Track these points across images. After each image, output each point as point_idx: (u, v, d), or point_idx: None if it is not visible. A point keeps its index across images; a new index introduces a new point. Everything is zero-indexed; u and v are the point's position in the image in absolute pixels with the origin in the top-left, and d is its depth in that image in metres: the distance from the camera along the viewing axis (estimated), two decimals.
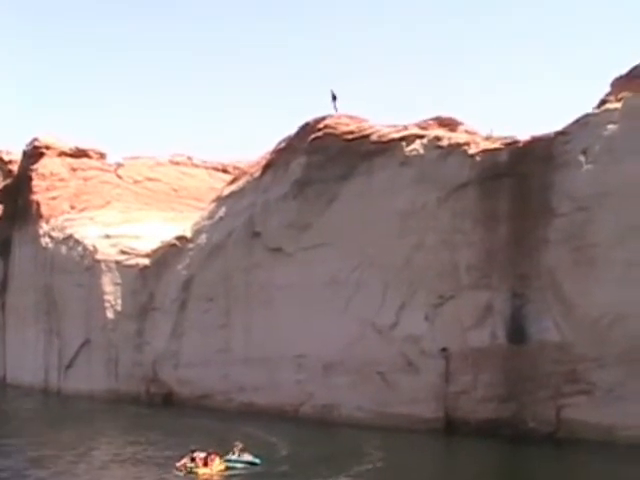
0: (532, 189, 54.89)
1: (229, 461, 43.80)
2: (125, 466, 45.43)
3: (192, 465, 41.08)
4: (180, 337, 74.97)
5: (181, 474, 40.86)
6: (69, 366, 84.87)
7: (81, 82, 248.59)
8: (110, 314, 79.81)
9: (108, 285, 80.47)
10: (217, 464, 42.25)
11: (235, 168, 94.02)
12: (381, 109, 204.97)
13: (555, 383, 52.61)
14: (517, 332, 54.68)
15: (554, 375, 52.62)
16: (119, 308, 79.52)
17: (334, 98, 69.06)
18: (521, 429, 53.27)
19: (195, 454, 41.80)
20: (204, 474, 40.63)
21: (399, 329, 59.61)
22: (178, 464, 41.33)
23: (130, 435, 56.73)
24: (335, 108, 68.58)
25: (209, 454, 42.27)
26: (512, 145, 56.99)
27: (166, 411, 70.81)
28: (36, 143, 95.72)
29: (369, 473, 43.05)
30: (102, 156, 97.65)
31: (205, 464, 41.39)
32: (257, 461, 43.95)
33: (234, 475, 42.22)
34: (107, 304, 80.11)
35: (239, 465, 43.66)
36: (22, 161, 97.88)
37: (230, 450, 44.90)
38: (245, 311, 69.96)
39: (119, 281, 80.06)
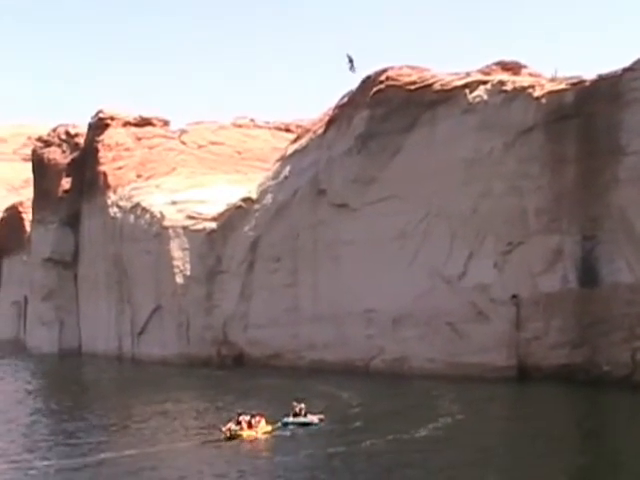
0: (600, 129, 53.73)
1: (286, 423, 42.09)
2: (189, 430, 44.72)
3: (237, 428, 39.76)
4: (249, 298, 75.17)
5: (224, 437, 39.25)
6: (141, 332, 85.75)
7: (140, 51, 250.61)
8: (179, 279, 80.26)
9: (176, 251, 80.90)
10: (263, 426, 40.99)
11: (298, 127, 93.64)
12: (443, 57, 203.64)
13: (629, 325, 51.59)
14: (589, 275, 53.72)
15: (628, 317, 51.59)
16: (188, 273, 79.91)
17: (350, 61, 68.63)
18: (595, 373, 52.48)
19: (241, 417, 40.56)
20: (249, 436, 39.55)
21: (468, 278, 58.95)
22: (224, 428, 39.81)
23: (203, 398, 56.34)
24: (353, 69, 68.24)
25: (253, 416, 41.04)
26: (578, 85, 55.80)
27: (237, 372, 71.00)
28: (101, 115, 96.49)
29: (450, 426, 41.73)
30: (166, 123, 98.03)
31: (250, 426, 40.20)
32: (316, 421, 42.36)
33: (286, 436, 40.26)
34: (176, 270, 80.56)
35: (295, 426, 41.77)
36: (88, 133, 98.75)
37: (291, 411, 43.02)
38: (312, 269, 69.81)
39: (187, 246, 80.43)
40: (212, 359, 76.97)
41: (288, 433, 41.00)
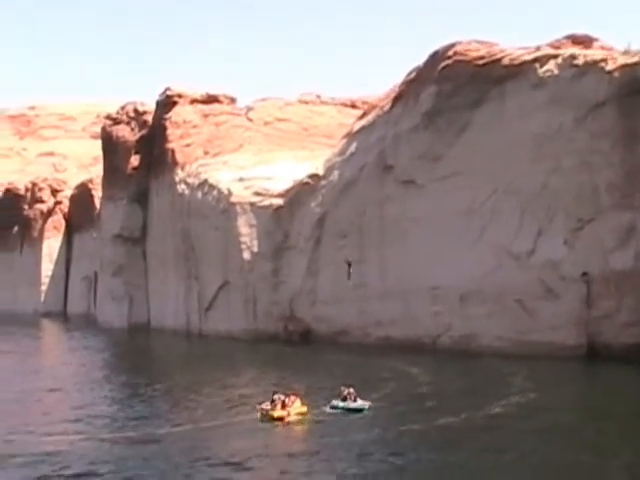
0: None
1: (334, 407, 40.36)
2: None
3: (268, 408, 38.41)
4: (315, 274, 75.35)
5: (258, 417, 38.34)
6: (209, 308, 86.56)
7: (208, 28, 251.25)
8: (246, 255, 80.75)
9: (243, 227, 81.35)
10: (297, 406, 39.23)
11: (364, 103, 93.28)
12: (512, 32, 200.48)
13: None
14: None
15: None
16: (255, 249, 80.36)
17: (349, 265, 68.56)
18: None
19: (276, 396, 39.09)
20: (279, 416, 37.93)
21: (537, 255, 58.22)
22: (260, 407, 38.86)
23: (268, 374, 56.39)
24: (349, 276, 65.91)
25: (288, 396, 39.42)
26: None
27: (304, 348, 71.34)
28: (168, 92, 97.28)
29: (523, 404, 41.23)
30: (232, 100, 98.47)
31: (283, 406, 38.52)
32: (367, 406, 40.38)
33: (320, 420, 38.87)
34: (243, 246, 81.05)
35: (342, 411, 39.96)
36: (156, 111, 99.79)
37: (339, 395, 41.32)
38: (379, 245, 69.67)
39: (254, 222, 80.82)
40: (279, 335, 77.46)
41: (326, 416, 39.48)
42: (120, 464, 30.57)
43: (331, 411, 40.32)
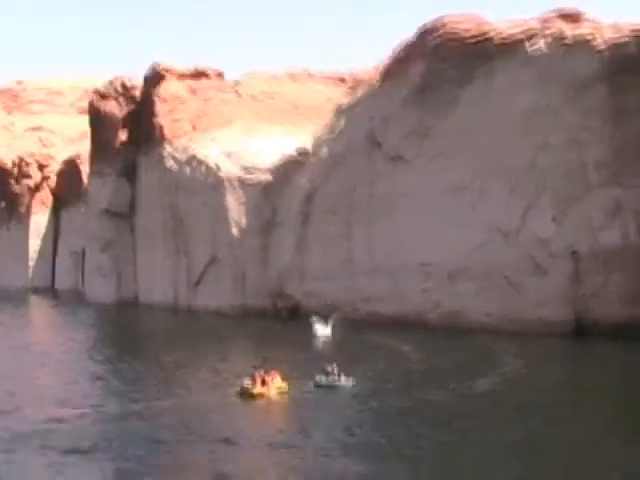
0: None
1: (318, 384, 40.36)
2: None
3: (249, 384, 38.25)
4: (304, 251, 75.33)
5: (238, 393, 38.34)
6: (197, 283, 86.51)
7: (193, 1, 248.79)
8: (235, 231, 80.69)
9: (232, 202, 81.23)
10: (277, 383, 38.92)
11: (353, 77, 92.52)
12: (500, 4, 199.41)
13: None
14: None
15: None
16: (244, 225, 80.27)
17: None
18: None
19: (256, 373, 38.85)
20: (259, 393, 37.76)
21: (525, 232, 58.45)
22: (240, 383, 38.84)
23: (255, 350, 56.65)
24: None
25: (268, 372, 39.06)
26: None
27: (293, 324, 71.29)
28: (156, 67, 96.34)
29: (514, 379, 41.74)
30: (220, 75, 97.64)
31: (263, 383, 38.23)
32: (349, 384, 40.35)
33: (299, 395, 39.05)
34: (232, 221, 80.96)
35: (327, 386, 40.04)
36: (144, 86, 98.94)
37: (323, 370, 41.23)
38: (368, 222, 69.67)
39: (243, 198, 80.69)
40: (267, 311, 77.47)
41: (309, 392, 39.67)
42: (103, 440, 30.88)
43: (314, 387, 40.43)
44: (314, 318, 63.39)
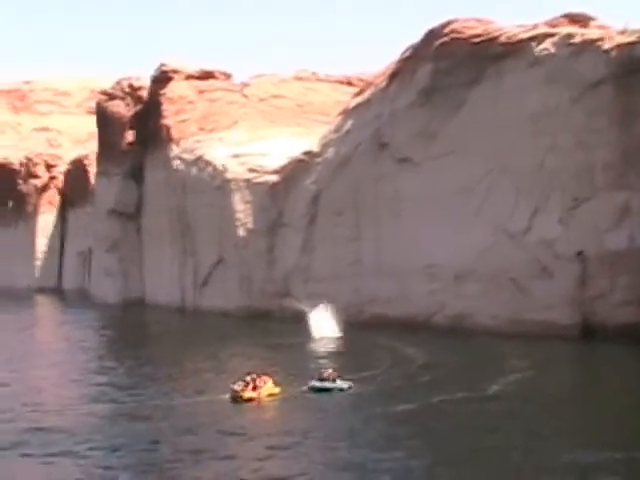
0: None
1: (313, 388, 39.91)
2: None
3: (239, 389, 38.06)
4: (310, 252, 75.25)
5: (229, 398, 38.11)
6: (204, 284, 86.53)
7: (202, 3, 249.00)
8: (241, 232, 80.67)
9: (238, 203, 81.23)
10: (268, 387, 38.94)
11: (360, 80, 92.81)
12: (508, 10, 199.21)
13: None
14: None
15: None
16: (250, 226, 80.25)
17: None
18: None
19: (248, 377, 38.66)
20: (249, 397, 37.72)
21: (532, 234, 58.23)
22: (231, 387, 38.55)
23: (259, 352, 56.35)
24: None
25: (259, 376, 39.01)
26: None
27: (298, 326, 70.74)
28: (163, 68, 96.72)
29: (522, 383, 41.43)
30: (228, 76, 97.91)
31: (254, 388, 38.18)
32: (346, 387, 39.93)
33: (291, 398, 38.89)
34: (238, 222, 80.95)
35: (321, 389, 39.65)
36: (151, 87, 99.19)
37: (318, 375, 40.83)
38: (374, 223, 69.58)
39: (249, 199, 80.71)
40: (273, 312, 77.36)
41: (302, 396, 39.40)
42: (106, 438, 31.08)
43: (308, 391, 40.08)
44: (312, 314, 63.52)
